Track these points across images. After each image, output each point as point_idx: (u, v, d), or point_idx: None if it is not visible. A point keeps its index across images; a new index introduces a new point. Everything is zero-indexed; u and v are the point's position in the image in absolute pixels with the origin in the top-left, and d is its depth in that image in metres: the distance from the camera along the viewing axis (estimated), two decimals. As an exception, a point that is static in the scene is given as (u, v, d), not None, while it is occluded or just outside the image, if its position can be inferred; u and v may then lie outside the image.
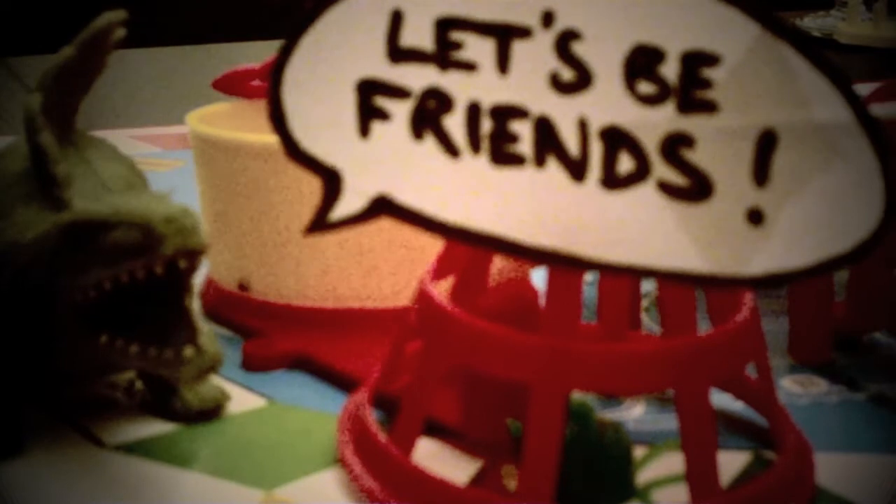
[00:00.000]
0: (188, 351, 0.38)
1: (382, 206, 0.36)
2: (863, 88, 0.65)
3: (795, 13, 1.41)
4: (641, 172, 0.34)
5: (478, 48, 0.35)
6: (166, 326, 0.39)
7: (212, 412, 0.46)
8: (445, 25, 0.35)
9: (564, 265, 0.35)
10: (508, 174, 0.35)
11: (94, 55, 0.49)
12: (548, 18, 0.34)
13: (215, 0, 1.44)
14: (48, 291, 0.41)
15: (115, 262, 0.39)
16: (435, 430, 0.42)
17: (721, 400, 0.44)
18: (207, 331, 0.39)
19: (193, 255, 0.38)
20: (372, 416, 0.42)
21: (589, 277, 0.40)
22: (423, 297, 0.40)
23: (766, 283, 0.34)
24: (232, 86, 0.61)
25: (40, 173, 0.44)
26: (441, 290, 0.40)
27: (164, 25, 1.34)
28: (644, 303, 0.52)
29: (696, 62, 0.33)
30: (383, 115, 0.36)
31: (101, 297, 0.39)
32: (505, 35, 0.34)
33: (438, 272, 0.41)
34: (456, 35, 0.35)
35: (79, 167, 0.46)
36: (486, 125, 0.35)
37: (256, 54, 0.61)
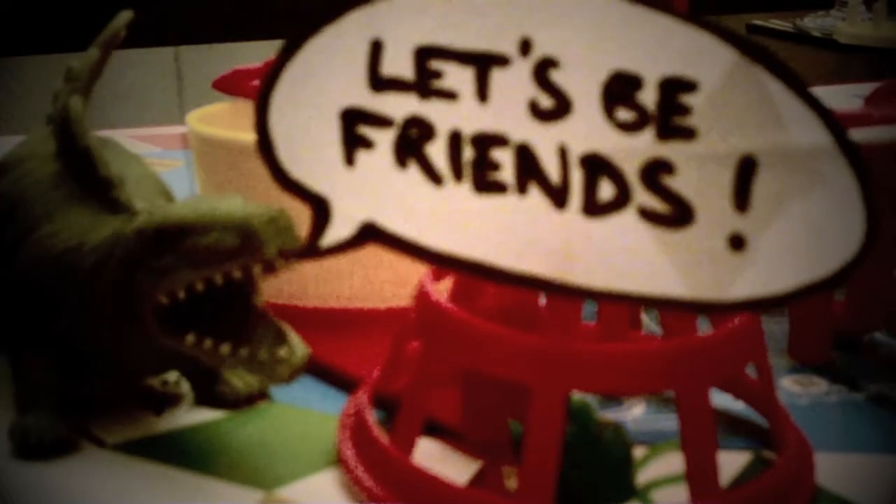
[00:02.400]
0: (283, 351, 0.38)
1: (370, 233, 0.37)
2: (863, 88, 0.65)
3: (795, 13, 1.41)
4: (622, 199, 0.34)
5: (457, 76, 0.35)
6: (244, 326, 0.39)
7: (258, 396, 0.46)
8: (425, 54, 0.35)
9: (550, 292, 0.36)
10: (491, 202, 0.35)
11: (107, 56, 0.49)
12: (525, 47, 0.34)
13: (215, 0, 1.44)
14: (124, 294, 0.41)
15: (207, 265, 0.38)
16: (435, 430, 0.42)
17: (721, 400, 0.44)
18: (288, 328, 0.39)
19: (291, 255, 0.38)
20: (372, 416, 0.42)
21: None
22: (423, 297, 0.40)
23: (748, 309, 0.34)
24: (232, 86, 0.61)
25: (90, 176, 0.44)
26: (441, 290, 0.40)
27: (164, 25, 1.34)
28: (644, 303, 0.52)
29: (674, 89, 0.33)
30: (367, 144, 0.36)
31: (186, 298, 0.39)
32: (484, 63, 0.35)
33: (438, 272, 0.41)
34: (435, 64, 0.35)
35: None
36: (468, 153, 0.35)
37: (256, 54, 0.61)
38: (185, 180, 0.70)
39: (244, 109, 0.60)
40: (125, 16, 0.50)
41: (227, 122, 0.58)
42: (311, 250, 0.37)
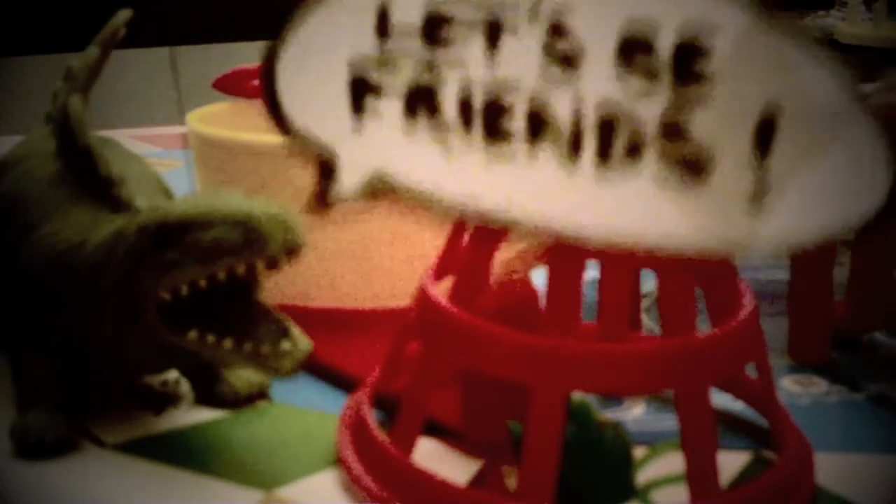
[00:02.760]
0: (286, 344, 0.38)
1: (379, 184, 0.36)
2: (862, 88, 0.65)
3: (795, 13, 1.41)
4: (638, 151, 0.33)
5: (468, 26, 0.34)
6: (247, 321, 0.39)
7: (257, 396, 0.46)
8: (435, 3, 0.35)
9: (561, 243, 0.35)
10: (502, 151, 0.35)
11: (106, 55, 0.49)
12: None
13: (215, 0, 1.44)
14: (126, 291, 0.41)
15: (210, 260, 0.38)
16: (435, 430, 0.42)
17: (721, 400, 0.44)
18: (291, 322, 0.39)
19: (295, 252, 0.38)
20: (372, 416, 0.42)
21: (589, 277, 0.40)
22: (423, 297, 0.40)
23: (768, 255, 0.33)
24: (232, 86, 0.61)
25: (91, 175, 0.44)
26: (441, 290, 0.40)
27: (165, 25, 1.34)
28: (644, 303, 0.52)
29: (693, 37, 0.32)
30: (376, 92, 0.36)
31: (188, 294, 0.39)
32: (495, 13, 0.34)
33: (438, 272, 0.41)
34: (446, 12, 0.35)
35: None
36: (479, 102, 0.35)
37: (256, 54, 0.61)
38: (185, 180, 0.70)
39: (244, 109, 0.60)
40: (124, 14, 0.50)
41: (227, 122, 0.58)
42: (320, 202, 0.37)
